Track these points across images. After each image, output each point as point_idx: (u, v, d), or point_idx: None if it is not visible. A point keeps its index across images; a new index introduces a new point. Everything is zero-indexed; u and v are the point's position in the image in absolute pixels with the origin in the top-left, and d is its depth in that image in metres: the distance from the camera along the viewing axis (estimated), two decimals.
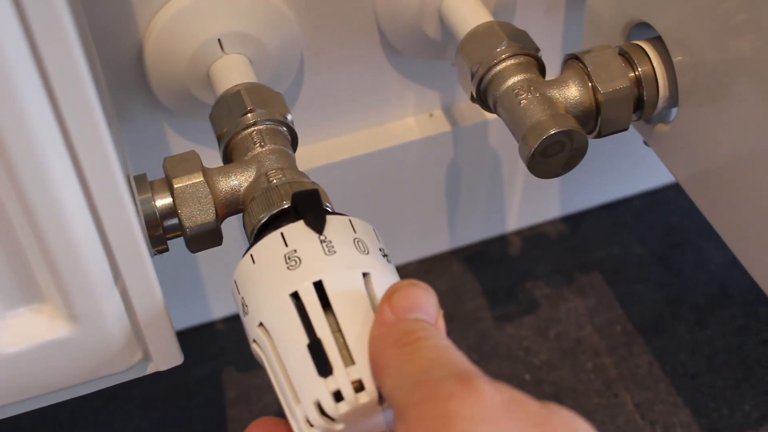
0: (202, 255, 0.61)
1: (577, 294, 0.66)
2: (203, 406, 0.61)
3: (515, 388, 0.30)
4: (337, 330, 0.34)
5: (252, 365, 0.62)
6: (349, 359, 0.33)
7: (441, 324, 0.34)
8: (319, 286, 0.35)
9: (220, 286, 0.64)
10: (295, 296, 0.35)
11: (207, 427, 0.60)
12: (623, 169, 0.70)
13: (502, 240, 0.70)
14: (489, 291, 0.67)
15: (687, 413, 0.59)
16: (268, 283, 0.36)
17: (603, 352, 0.63)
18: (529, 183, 0.67)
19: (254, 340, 0.36)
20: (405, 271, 0.68)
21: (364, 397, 0.33)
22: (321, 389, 0.33)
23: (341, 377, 0.33)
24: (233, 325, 0.65)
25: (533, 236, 0.70)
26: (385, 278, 0.37)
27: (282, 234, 0.37)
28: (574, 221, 0.71)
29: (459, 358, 0.31)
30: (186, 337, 0.65)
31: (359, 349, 0.33)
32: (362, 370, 0.33)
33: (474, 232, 0.68)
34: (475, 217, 0.67)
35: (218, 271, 0.62)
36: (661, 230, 0.70)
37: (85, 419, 0.61)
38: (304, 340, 0.34)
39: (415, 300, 0.33)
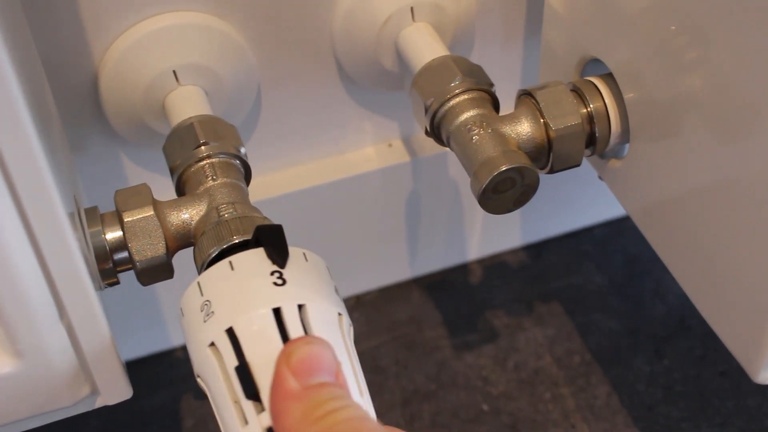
0: (159, 283, 0.61)
1: (536, 323, 0.66)
2: None
3: None
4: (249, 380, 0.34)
5: None
6: (260, 407, 0.33)
7: (341, 378, 0.33)
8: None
9: (177, 314, 0.63)
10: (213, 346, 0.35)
11: None
12: (585, 198, 0.70)
13: (462, 269, 0.70)
14: (449, 320, 0.67)
15: None
16: (192, 333, 0.36)
17: (561, 382, 0.63)
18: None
19: (198, 375, 0.37)
20: (365, 300, 0.68)
21: None
22: None
23: (254, 428, 0.33)
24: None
25: (494, 265, 0.70)
26: (323, 307, 0.36)
27: (230, 262, 0.37)
28: (535, 250, 0.71)
29: (375, 429, 0.30)
30: (144, 365, 0.65)
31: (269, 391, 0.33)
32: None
33: (435, 260, 0.68)
34: (436, 246, 0.67)
35: (176, 297, 0.62)
36: (621, 260, 0.70)
37: None
38: (227, 394, 0.34)
39: (316, 359, 0.32)
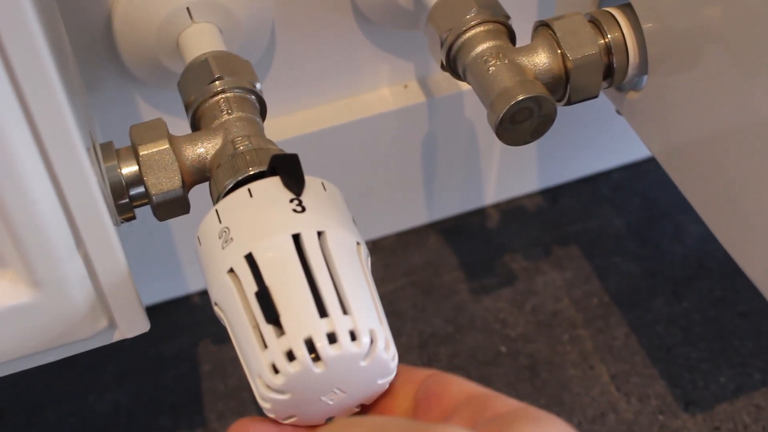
0: (177, 228, 0.61)
1: (554, 267, 0.66)
2: (178, 379, 0.61)
3: None
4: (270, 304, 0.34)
5: (227, 338, 0.62)
6: (280, 332, 0.33)
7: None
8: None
9: (196, 259, 0.63)
10: (233, 272, 0.35)
11: (182, 399, 0.60)
12: (602, 142, 0.70)
13: (479, 213, 0.69)
14: (466, 264, 0.67)
15: (662, 385, 0.60)
16: (210, 260, 0.36)
17: (579, 324, 0.63)
18: (506, 156, 0.66)
19: (215, 303, 0.36)
20: (382, 245, 0.68)
21: (296, 366, 0.33)
22: (262, 365, 0.33)
23: (274, 351, 0.33)
24: (209, 298, 0.65)
25: (511, 209, 0.70)
26: (342, 234, 0.36)
27: (249, 189, 0.37)
28: (552, 195, 0.71)
29: None
30: (161, 311, 0.65)
31: (290, 315, 0.33)
32: (292, 339, 0.33)
33: (451, 205, 0.68)
34: (453, 191, 0.67)
35: (193, 244, 0.62)
36: (640, 203, 0.70)
37: (60, 391, 0.61)
38: (246, 319, 0.34)
39: None
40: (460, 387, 0.34)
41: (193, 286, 0.65)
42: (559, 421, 0.30)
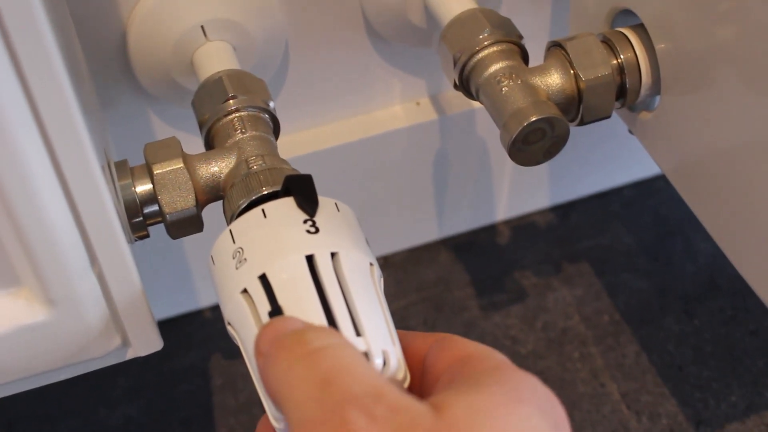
0: (189, 243, 0.61)
1: (564, 283, 0.66)
2: (189, 393, 0.62)
3: (412, 395, 0.28)
4: None
5: (238, 353, 0.62)
6: None
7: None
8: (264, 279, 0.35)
9: (208, 274, 0.64)
10: (246, 292, 0.35)
11: (193, 413, 0.61)
12: (613, 159, 0.70)
13: (490, 229, 0.70)
14: (477, 280, 0.67)
15: (673, 403, 0.59)
16: (223, 280, 0.36)
17: (590, 341, 0.63)
18: (518, 172, 0.67)
19: (228, 323, 0.37)
20: (393, 261, 0.68)
21: None
22: None
23: None
24: (220, 313, 0.65)
25: (522, 226, 0.70)
26: (356, 255, 0.36)
27: (263, 210, 0.37)
28: (563, 211, 0.71)
29: (365, 372, 0.28)
30: (173, 325, 0.65)
31: None
32: None
33: (462, 221, 0.68)
34: (464, 207, 0.67)
35: (206, 259, 0.62)
36: (651, 220, 0.70)
37: (72, 406, 0.61)
38: None
39: (278, 322, 0.32)
40: (451, 350, 0.32)
41: (204, 301, 0.66)
42: (541, 388, 0.28)
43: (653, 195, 0.71)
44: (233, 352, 0.63)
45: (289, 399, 0.28)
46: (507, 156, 0.64)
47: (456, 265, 0.68)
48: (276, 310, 0.34)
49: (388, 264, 0.68)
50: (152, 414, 0.61)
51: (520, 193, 0.68)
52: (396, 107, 0.61)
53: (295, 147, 0.58)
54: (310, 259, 0.35)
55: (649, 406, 0.59)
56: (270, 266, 0.35)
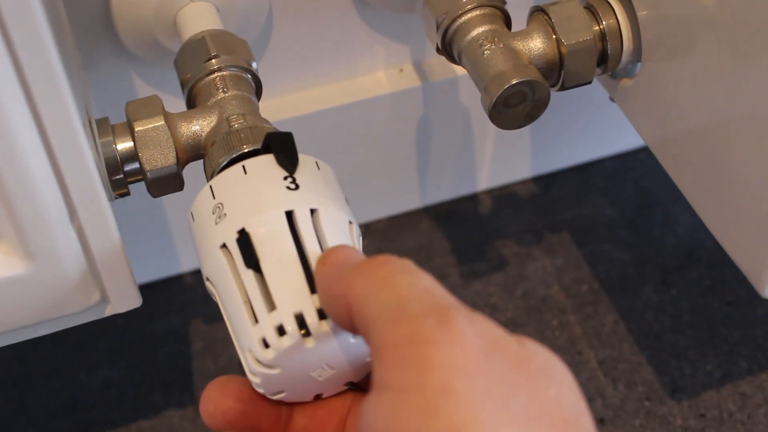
0: (170, 207, 0.61)
1: (545, 253, 0.67)
2: (169, 357, 0.62)
3: (491, 320, 0.29)
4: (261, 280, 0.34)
5: (219, 317, 0.63)
6: (271, 305, 0.34)
7: None
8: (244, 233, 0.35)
9: (189, 238, 0.64)
10: (225, 247, 0.35)
11: (173, 377, 0.61)
12: (595, 130, 0.70)
13: (472, 199, 0.70)
14: (458, 249, 0.67)
15: (650, 371, 0.60)
16: (203, 235, 0.37)
17: (569, 310, 0.63)
18: (500, 142, 0.67)
19: (207, 278, 0.37)
20: (375, 228, 0.68)
21: (286, 341, 0.33)
22: (253, 339, 0.34)
23: (265, 326, 0.34)
24: (201, 278, 0.65)
25: (504, 196, 0.70)
26: (335, 215, 0.37)
27: (243, 166, 0.37)
28: (545, 182, 0.71)
29: (435, 289, 0.30)
30: (154, 289, 0.65)
31: (281, 290, 0.34)
32: (282, 314, 0.33)
33: (444, 190, 0.69)
34: (446, 175, 0.67)
35: (186, 223, 0.62)
36: (632, 192, 0.70)
37: (52, 369, 0.61)
38: (237, 294, 0.35)
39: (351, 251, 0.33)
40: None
41: (185, 266, 0.66)
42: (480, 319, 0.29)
43: (634, 167, 0.72)
44: (214, 316, 0.63)
45: (393, 294, 0.29)
46: (489, 125, 0.64)
47: (437, 234, 0.68)
48: (254, 265, 0.34)
49: (369, 231, 0.68)
50: (133, 377, 0.61)
51: (502, 162, 0.68)
52: (379, 73, 0.61)
53: (277, 111, 0.58)
54: (289, 215, 0.35)
55: (626, 373, 0.60)
56: (249, 221, 0.35)
